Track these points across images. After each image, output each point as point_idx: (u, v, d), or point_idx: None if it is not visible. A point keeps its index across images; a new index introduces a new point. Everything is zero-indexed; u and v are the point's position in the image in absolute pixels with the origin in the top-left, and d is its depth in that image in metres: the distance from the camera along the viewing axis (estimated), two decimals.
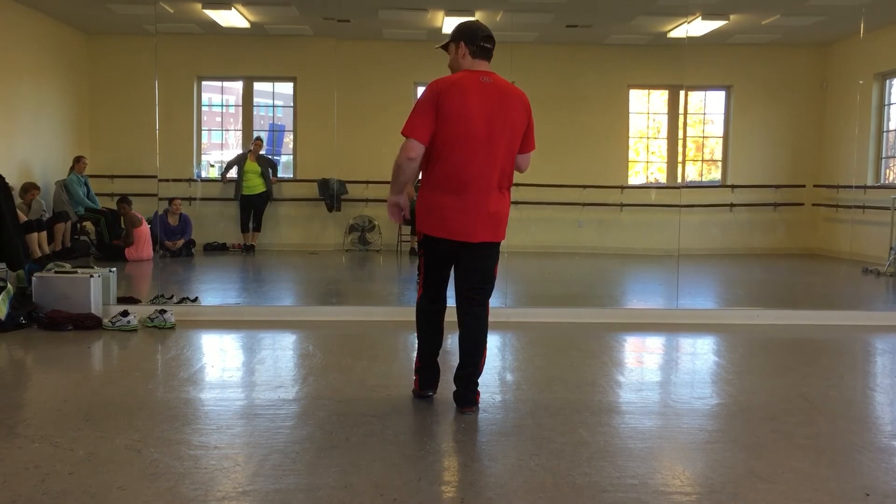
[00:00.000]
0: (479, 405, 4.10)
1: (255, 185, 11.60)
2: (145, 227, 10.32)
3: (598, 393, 4.46)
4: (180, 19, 10.81)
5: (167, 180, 10.63)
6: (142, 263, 10.14)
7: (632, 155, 12.84)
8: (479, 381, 4.11)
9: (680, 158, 12.69)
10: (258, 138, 11.92)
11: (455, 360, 4.13)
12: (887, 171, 11.36)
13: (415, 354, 4.31)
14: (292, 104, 12.38)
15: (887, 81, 11.18)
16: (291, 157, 12.53)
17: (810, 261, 11.78)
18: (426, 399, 4.22)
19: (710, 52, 11.79)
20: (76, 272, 6.38)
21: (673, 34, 11.07)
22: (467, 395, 4.02)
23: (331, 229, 11.95)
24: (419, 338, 4.21)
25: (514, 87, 3.97)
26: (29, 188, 9.53)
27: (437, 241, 3.96)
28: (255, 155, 11.66)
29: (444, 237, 3.92)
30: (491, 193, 3.88)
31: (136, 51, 10.84)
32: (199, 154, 12.42)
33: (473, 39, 3.91)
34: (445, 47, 4.05)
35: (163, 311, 6.10)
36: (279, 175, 12.20)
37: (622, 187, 12.29)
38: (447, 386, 4.20)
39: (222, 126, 13.06)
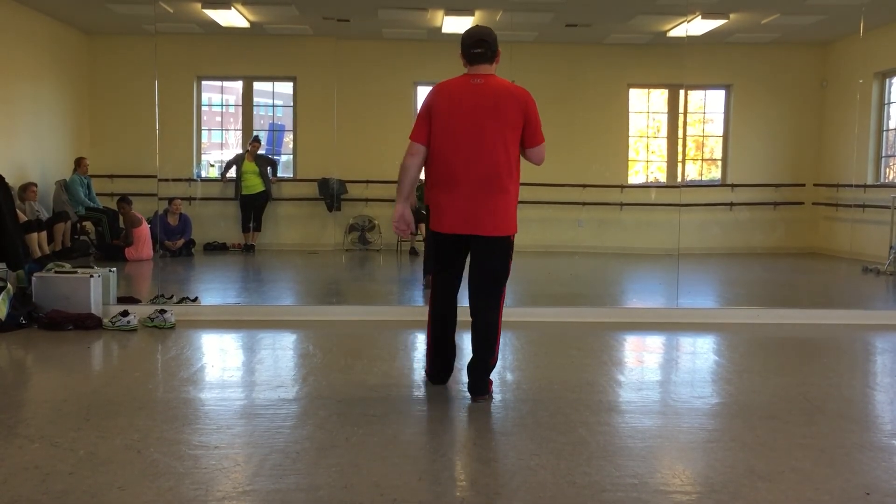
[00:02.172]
0: (492, 397, 4.26)
1: (253, 184, 11.61)
2: (145, 227, 10.31)
3: (598, 392, 4.46)
4: (180, 19, 10.80)
5: (167, 180, 10.62)
6: (142, 263, 10.14)
7: (632, 154, 12.83)
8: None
9: (680, 157, 12.69)
10: (256, 138, 11.92)
11: (466, 355, 4.24)
12: (887, 169, 11.36)
13: (417, 355, 4.33)
14: (292, 104, 12.38)
15: (887, 80, 11.17)
16: (291, 156, 12.53)
17: (810, 260, 11.78)
18: (432, 386, 4.42)
19: (710, 51, 11.77)
20: (76, 272, 6.38)
21: (673, 33, 11.07)
22: (477, 384, 4.20)
23: (331, 229, 11.95)
24: (427, 341, 4.41)
25: (511, 86, 4.13)
26: (27, 187, 9.53)
27: (439, 235, 4.18)
28: (253, 155, 11.67)
29: (443, 231, 4.13)
30: (482, 188, 4.03)
31: (135, 51, 10.85)
32: (199, 154, 12.42)
33: (464, 50, 4.18)
34: None
35: (163, 311, 6.10)
36: (279, 175, 12.19)
37: (622, 186, 12.28)
38: (445, 385, 4.23)
39: (222, 126, 13.06)
